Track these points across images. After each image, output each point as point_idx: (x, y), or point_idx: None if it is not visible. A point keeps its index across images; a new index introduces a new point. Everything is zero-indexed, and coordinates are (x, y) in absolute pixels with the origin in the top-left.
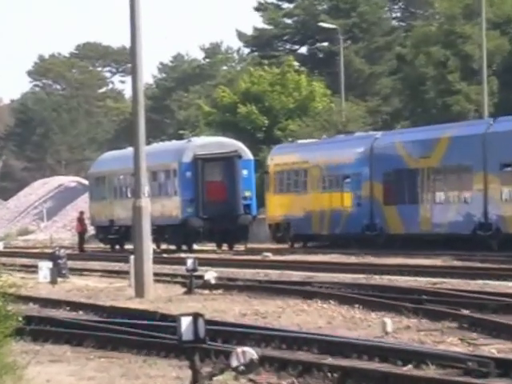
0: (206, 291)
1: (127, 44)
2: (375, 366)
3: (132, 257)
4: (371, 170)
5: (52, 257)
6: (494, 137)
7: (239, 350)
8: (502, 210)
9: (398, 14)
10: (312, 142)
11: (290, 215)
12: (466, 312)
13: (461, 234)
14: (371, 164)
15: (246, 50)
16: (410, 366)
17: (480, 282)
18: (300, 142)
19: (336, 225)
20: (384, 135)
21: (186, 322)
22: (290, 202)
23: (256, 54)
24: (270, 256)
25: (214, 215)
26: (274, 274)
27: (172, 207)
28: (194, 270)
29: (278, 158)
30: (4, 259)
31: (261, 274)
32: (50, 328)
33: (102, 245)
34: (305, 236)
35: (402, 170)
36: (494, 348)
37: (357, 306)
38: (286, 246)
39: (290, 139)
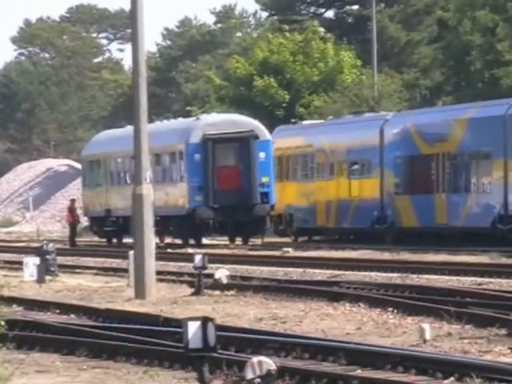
0: (217, 292)
1: (126, 7)
2: (412, 378)
3: (131, 252)
4: (381, 156)
5: (39, 252)
6: None
7: (255, 360)
8: None
9: None
10: (317, 123)
11: (293, 206)
12: None
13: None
14: (381, 149)
15: (264, 14)
16: (451, 378)
17: None
18: (304, 123)
19: (343, 217)
20: (395, 117)
21: (193, 328)
22: (293, 190)
23: (275, 18)
24: (291, 252)
25: (226, 205)
26: (294, 273)
27: (178, 195)
28: (203, 267)
29: (280, 142)
30: None
31: (280, 272)
32: (36, 334)
33: (96, 238)
34: (308, 229)
35: (414, 156)
36: None
37: (390, 309)
38: (288, 240)
39: (314, 117)
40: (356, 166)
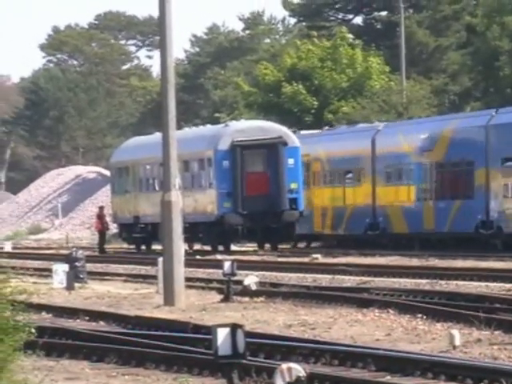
0: (246, 299)
1: (155, 13)
2: None
3: (160, 259)
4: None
5: (68, 259)
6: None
7: (284, 366)
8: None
9: None
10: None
11: None
12: None
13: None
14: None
15: (292, 20)
16: None
17: None
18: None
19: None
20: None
21: (222, 334)
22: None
23: (304, 24)
24: (320, 258)
25: (255, 211)
26: (323, 279)
27: (207, 202)
28: (232, 274)
29: None
30: (13, 262)
31: (309, 278)
32: (65, 341)
33: (125, 245)
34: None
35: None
36: None
37: (420, 315)
38: (288, 246)
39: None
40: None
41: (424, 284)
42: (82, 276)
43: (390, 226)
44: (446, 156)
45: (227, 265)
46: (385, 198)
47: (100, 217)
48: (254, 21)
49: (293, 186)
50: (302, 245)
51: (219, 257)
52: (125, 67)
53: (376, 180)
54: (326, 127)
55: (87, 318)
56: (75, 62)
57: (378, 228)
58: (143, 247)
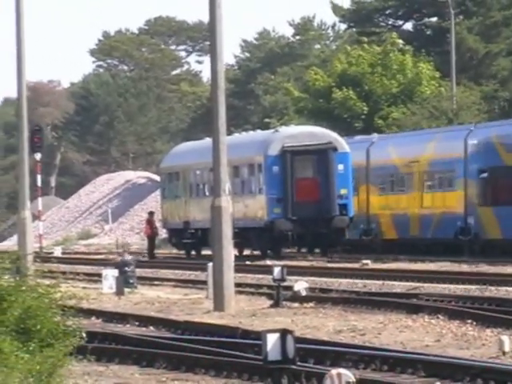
0: (296, 304)
1: (205, 19)
2: None
3: (210, 264)
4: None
5: (118, 264)
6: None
7: (334, 372)
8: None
9: None
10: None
11: None
12: None
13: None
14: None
15: (343, 26)
16: None
17: None
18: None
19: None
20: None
21: (272, 340)
22: None
23: (354, 30)
24: (370, 264)
25: (305, 217)
26: (373, 285)
27: (256, 207)
28: (282, 279)
29: None
30: (63, 267)
31: (359, 284)
32: (115, 346)
33: (175, 250)
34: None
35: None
36: None
37: (469, 321)
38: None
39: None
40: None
41: (474, 290)
42: (131, 281)
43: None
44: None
45: (277, 270)
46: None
47: (150, 222)
48: (304, 26)
49: (343, 191)
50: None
51: (269, 262)
52: (175, 72)
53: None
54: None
55: (137, 323)
56: (125, 68)
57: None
58: (193, 252)
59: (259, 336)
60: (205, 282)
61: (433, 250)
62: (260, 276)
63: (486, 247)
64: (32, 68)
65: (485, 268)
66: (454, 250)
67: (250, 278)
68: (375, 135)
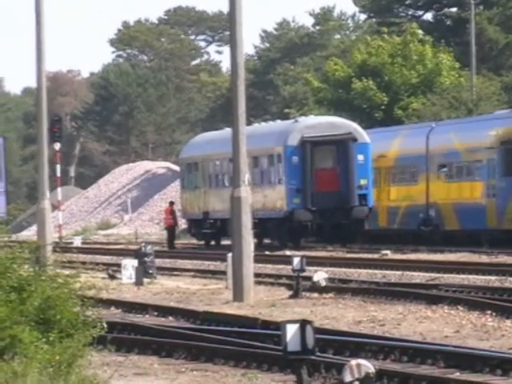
0: (315, 295)
1: (225, 9)
2: (510, 382)
3: (230, 255)
4: None
5: (137, 254)
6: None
7: (353, 362)
8: None
9: None
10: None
11: None
12: None
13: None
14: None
15: (363, 16)
16: None
17: None
18: None
19: None
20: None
21: (291, 331)
22: None
23: (374, 20)
24: (389, 254)
25: (325, 207)
26: (393, 275)
27: (276, 198)
28: (302, 270)
29: None
30: (82, 257)
31: (378, 275)
32: (134, 336)
33: (194, 241)
34: None
35: None
36: None
37: (489, 312)
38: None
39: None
40: None
41: (493, 281)
42: (151, 271)
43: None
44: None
45: (296, 261)
46: None
47: (170, 212)
48: (324, 16)
49: (362, 182)
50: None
51: (288, 253)
52: (194, 62)
53: None
54: None
55: (156, 313)
56: (145, 58)
57: None
58: (212, 243)
59: (279, 326)
60: (224, 273)
61: (399, 241)
62: (279, 266)
63: (445, 237)
64: (52, 58)
65: (504, 259)
66: (417, 240)
67: (270, 268)
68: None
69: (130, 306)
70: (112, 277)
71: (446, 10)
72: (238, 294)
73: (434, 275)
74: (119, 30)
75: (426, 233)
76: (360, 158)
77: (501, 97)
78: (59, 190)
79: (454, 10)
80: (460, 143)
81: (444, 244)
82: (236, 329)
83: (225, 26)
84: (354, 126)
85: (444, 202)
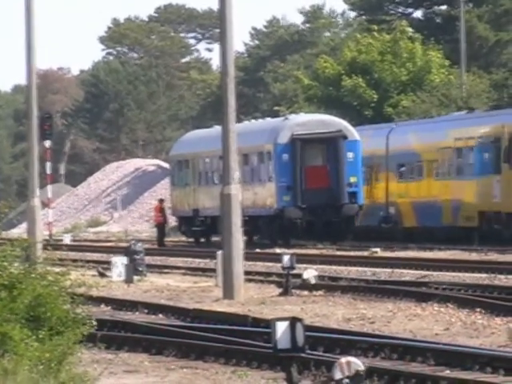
0: (305, 292)
1: (215, 6)
2: (500, 379)
3: (220, 252)
4: None
5: (127, 252)
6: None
7: (343, 360)
8: None
9: None
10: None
11: None
12: None
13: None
14: None
15: (352, 14)
16: None
17: None
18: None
19: None
20: None
21: (281, 328)
22: None
23: (364, 18)
24: (379, 252)
25: (315, 204)
26: (383, 273)
27: (266, 195)
28: (292, 267)
29: None
30: (72, 254)
31: (368, 272)
32: (125, 334)
33: (184, 238)
34: None
35: None
36: None
37: (479, 309)
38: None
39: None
40: None
41: (483, 278)
42: (141, 269)
43: None
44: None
45: (286, 258)
46: None
47: (160, 210)
48: (314, 14)
49: (352, 179)
50: None
51: (278, 250)
52: (184, 60)
53: None
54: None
55: (146, 310)
56: (135, 55)
57: None
58: (202, 240)
59: (269, 324)
60: (214, 270)
61: (361, 237)
62: (269, 264)
63: (404, 234)
64: (42, 55)
65: (494, 256)
66: (379, 236)
67: (260, 265)
68: None
69: (120, 304)
70: (102, 274)
71: (436, 7)
72: (228, 292)
73: (423, 273)
74: (109, 28)
75: (386, 229)
76: (350, 155)
77: (490, 94)
78: (49, 187)
79: (444, 7)
80: (418, 144)
81: (404, 240)
82: (226, 326)
83: (215, 24)
84: (344, 124)
85: (402, 200)
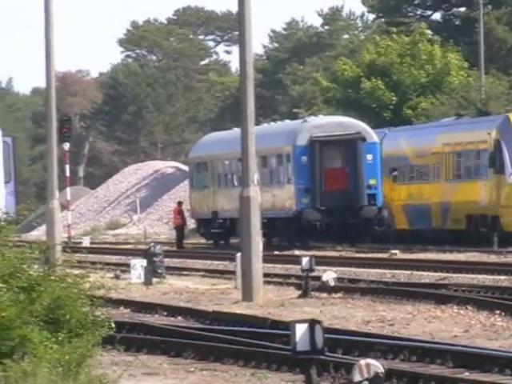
0: (324, 294)
1: (234, 8)
2: None
3: (238, 254)
4: None
5: (146, 254)
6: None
7: (362, 362)
8: None
9: None
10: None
11: None
12: None
13: None
14: None
15: (371, 16)
16: None
17: None
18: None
19: None
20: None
21: (301, 330)
22: None
23: (383, 20)
24: (398, 254)
25: (334, 206)
26: (402, 275)
27: (285, 197)
28: (311, 269)
29: None
30: (91, 257)
31: (387, 274)
32: (144, 336)
33: (203, 240)
34: None
35: None
36: None
37: (498, 312)
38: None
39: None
40: None
41: (503, 280)
42: (160, 271)
43: None
44: None
45: (305, 260)
46: None
47: (178, 212)
48: (332, 16)
49: (371, 181)
50: None
51: (297, 252)
52: (203, 62)
53: None
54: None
55: (165, 313)
56: (154, 57)
57: None
58: (221, 242)
59: (288, 326)
60: (233, 272)
61: (379, 239)
62: (288, 266)
63: (396, 236)
64: (61, 58)
65: None
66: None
67: (279, 268)
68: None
69: (139, 306)
70: (117, 277)
71: (455, 9)
72: (247, 294)
73: (443, 275)
74: (128, 30)
75: (380, 232)
76: (369, 157)
77: (509, 96)
78: (68, 189)
79: (463, 9)
80: (409, 148)
81: (395, 242)
82: (245, 329)
83: (234, 26)
84: (362, 126)
85: (395, 203)
